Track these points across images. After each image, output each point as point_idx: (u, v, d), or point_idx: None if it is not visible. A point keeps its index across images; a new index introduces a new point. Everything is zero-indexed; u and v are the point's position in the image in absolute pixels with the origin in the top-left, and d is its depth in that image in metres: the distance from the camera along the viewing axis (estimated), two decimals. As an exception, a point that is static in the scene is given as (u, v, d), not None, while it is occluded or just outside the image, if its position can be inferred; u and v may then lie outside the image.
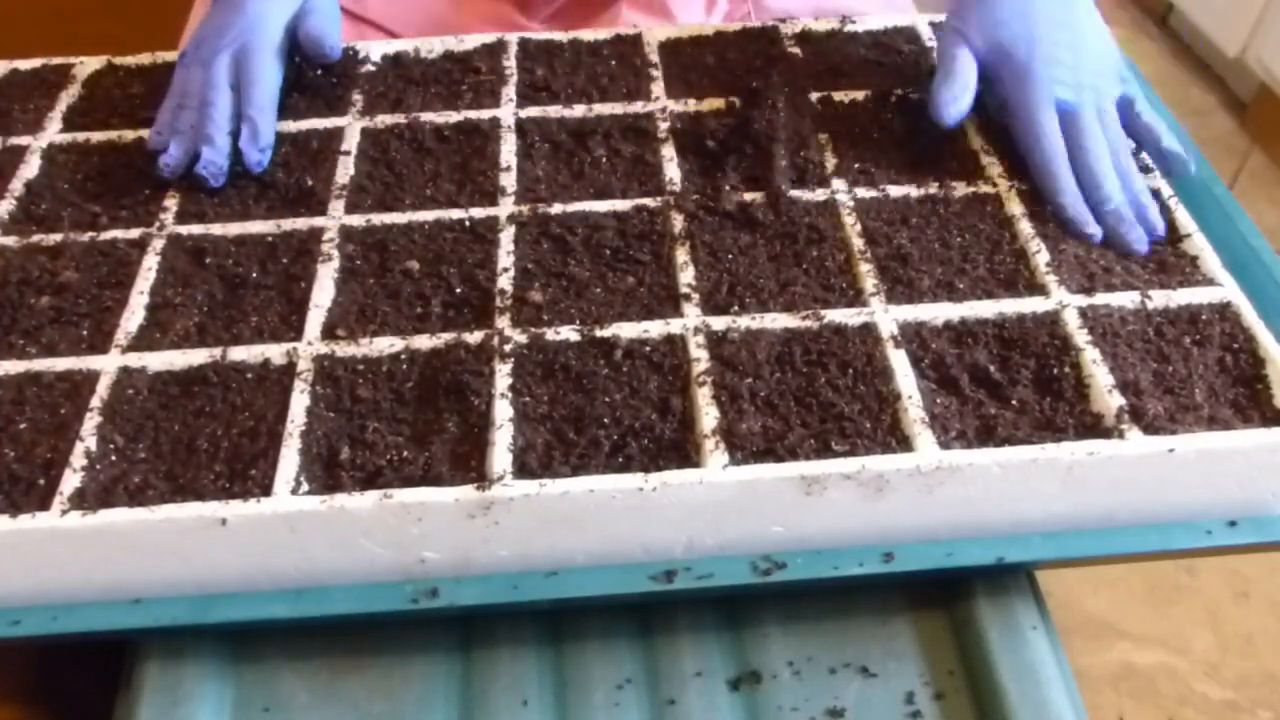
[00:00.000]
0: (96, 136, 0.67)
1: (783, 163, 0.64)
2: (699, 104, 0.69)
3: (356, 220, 0.61)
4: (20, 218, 0.63)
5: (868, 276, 0.58)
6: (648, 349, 0.54)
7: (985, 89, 0.64)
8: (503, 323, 0.55)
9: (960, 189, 0.63)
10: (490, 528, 0.49)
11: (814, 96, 0.69)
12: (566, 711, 0.50)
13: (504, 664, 0.51)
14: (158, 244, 0.60)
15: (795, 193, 0.62)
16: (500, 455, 0.49)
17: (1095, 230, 0.60)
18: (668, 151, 0.65)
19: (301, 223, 0.61)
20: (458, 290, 0.58)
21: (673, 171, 0.64)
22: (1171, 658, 1.14)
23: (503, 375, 0.53)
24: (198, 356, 0.54)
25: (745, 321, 0.55)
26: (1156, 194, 0.63)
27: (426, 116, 0.68)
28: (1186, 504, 0.52)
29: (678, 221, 0.61)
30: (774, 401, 0.52)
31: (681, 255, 0.59)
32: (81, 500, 0.49)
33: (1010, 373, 0.54)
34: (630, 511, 0.49)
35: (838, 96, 0.69)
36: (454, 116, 0.68)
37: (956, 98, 0.62)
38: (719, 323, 0.55)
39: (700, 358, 0.54)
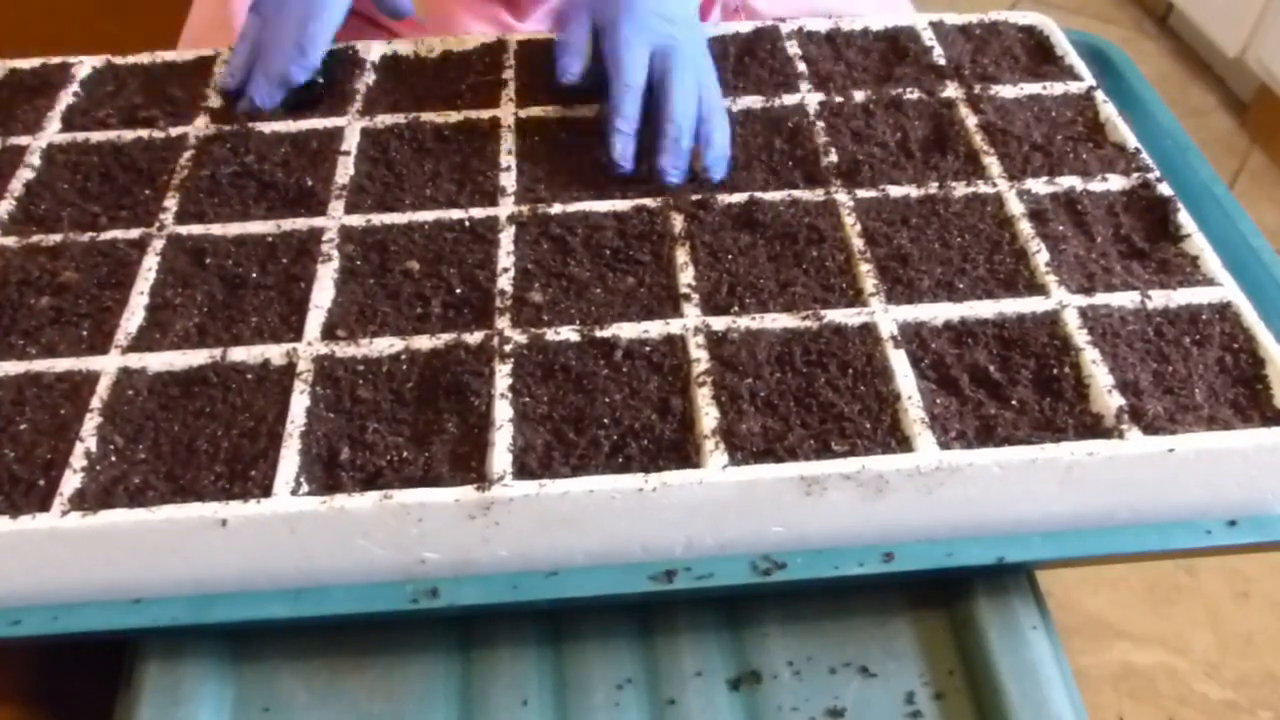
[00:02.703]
0: (96, 136, 0.67)
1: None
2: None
3: (356, 220, 0.61)
4: (20, 218, 0.63)
5: (868, 277, 0.58)
6: (648, 349, 0.54)
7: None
8: (503, 323, 0.55)
9: (960, 189, 0.63)
10: (490, 528, 0.49)
11: (813, 96, 0.69)
12: (566, 711, 0.50)
13: (504, 664, 0.51)
14: (157, 244, 0.60)
15: (795, 193, 0.62)
16: (500, 456, 0.49)
17: (627, 167, 0.62)
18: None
19: (301, 223, 0.61)
20: (458, 290, 0.58)
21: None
22: (1171, 658, 1.14)
23: (503, 376, 0.53)
24: (198, 357, 0.54)
25: (745, 322, 0.55)
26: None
27: (426, 116, 0.68)
28: (1186, 504, 0.52)
29: (677, 222, 0.61)
30: (774, 402, 0.52)
31: (681, 255, 0.59)
32: (81, 501, 0.49)
33: (1010, 373, 0.54)
34: (630, 512, 0.49)
35: (837, 96, 0.69)
36: (454, 116, 0.68)
37: (571, 59, 0.66)
38: (719, 323, 0.55)
39: (700, 358, 0.54)
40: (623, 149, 0.62)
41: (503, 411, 0.51)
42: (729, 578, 0.50)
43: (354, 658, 0.52)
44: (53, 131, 0.68)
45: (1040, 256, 0.59)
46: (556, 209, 0.62)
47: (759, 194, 0.62)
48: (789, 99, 0.69)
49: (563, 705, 0.50)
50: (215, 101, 0.70)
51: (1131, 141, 0.67)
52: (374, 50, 0.74)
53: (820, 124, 0.67)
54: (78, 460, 0.50)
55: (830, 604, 0.53)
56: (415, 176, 0.64)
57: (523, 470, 0.49)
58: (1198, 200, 0.65)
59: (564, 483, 0.48)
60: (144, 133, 0.68)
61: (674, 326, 0.55)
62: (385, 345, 0.55)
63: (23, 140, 0.67)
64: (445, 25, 0.81)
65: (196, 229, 0.61)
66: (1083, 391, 0.53)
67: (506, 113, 0.68)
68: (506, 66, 0.72)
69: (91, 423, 0.51)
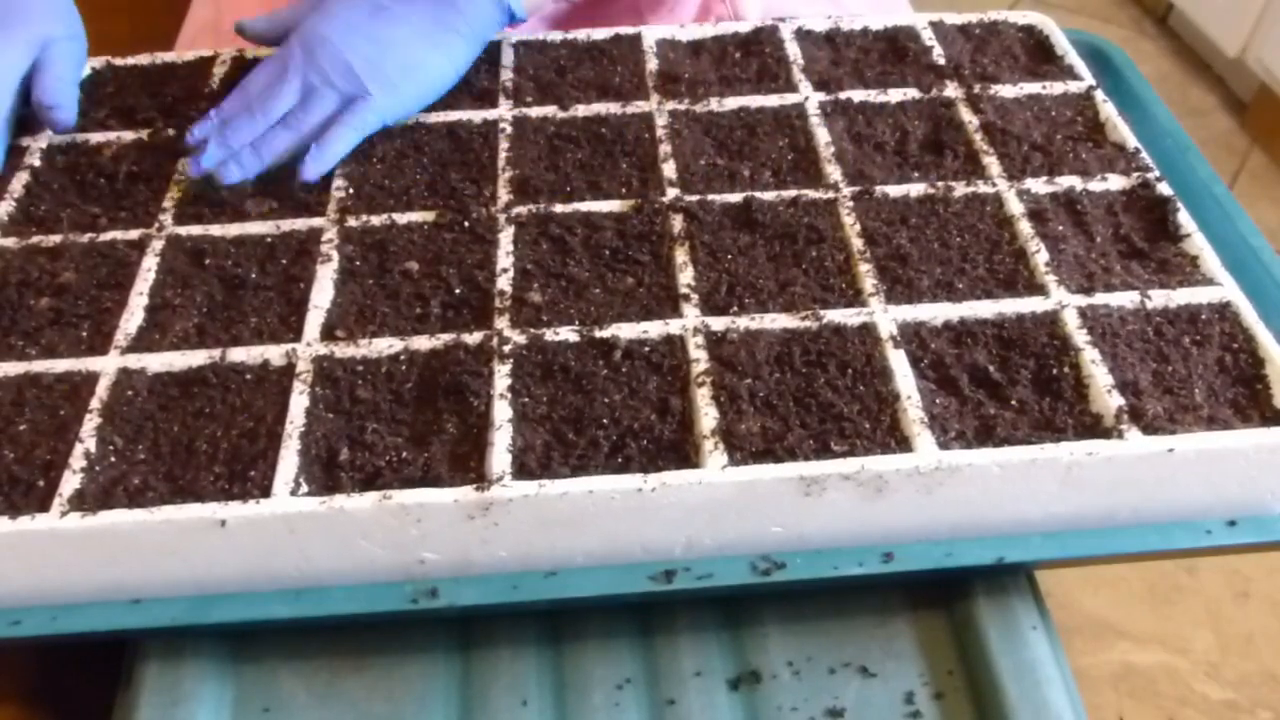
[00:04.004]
0: (96, 137, 0.67)
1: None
2: (695, 104, 0.69)
3: (355, 221, 0.61)
4: (20, 218, 0.63)
5: (867, 276, 0.58)
6: (647, 349, 0.54)
7: None
8: (502, 323, 0.55)
9: (960, 189, 0.63)
10: (489, 528, 0.49)
11: (814, 96, 0.69)
12: (566, 711, 0.50)
13: (504, 664, 0.51)
14: (157, 245, 0.60)
15: (794, 192, 0.62)
16: (499, 456, 0.49)
17: (190, 141, 0.64)
18: (665, 150, 0.65)
19: (301, 223, 0.61)
20: (457, 291, 0.58)
21: (671, 172, 0.64)
22: (1171, 658, 1.14)
23: (502, 376, 0.53)
24: (197, 358, 0.54)
25: (744, 322, 0.55)
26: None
27: (425, 116, 0.68)
28: (1186, 504, 0.52)
29: (677, 222, 0.61)
30: (773, 402, 0.52)
31: (680, 255, 0.59)
32: (81, 502, 0.49)
33: (1009, 373, 0.54)
34: (629, 512, 0.49)
35: (837, 96, 0.69)
36: (453, 116, 0.68)
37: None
38: (718, 323, 0.55)
39: (699, 358, 0.54)
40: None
41: (502, 412, 0.51)
42: (728, 578, 0.50)
43: (354, 658, 0.52)
44: (52, 132, 0.68)
45: (1040, 256, 0.59)
46: (556, 209, 0.62)
47: (758, 194, 0.62)
48: (789, 99, 0.69)
49: (562, 705, 0.50)
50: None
51: (1131, 141, 0.67)
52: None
53: (820, 124, 0.67)
54: (77, 461, 0.50)
55: (830, 604, 0.53)
56: (414, 176, 0.64)
57: (522, 470, 0.49)
58: (1198, 200, 0.65)
59: (563, 483, 0.48)
60: (143, 133, 0.68)
61: (673, 327, 0.55)
62: (384, 345, 0.55)
63: (23, 140, 0.67)
64: None
65: (195, 229, 0.61)
66: (1082, 391, 0.53)
67: (506, 113, 0.68)
68: (505, 66, 0.72)
69: (91, 423, 0.51)
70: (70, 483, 0.49)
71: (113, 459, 0.51)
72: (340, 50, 0.64)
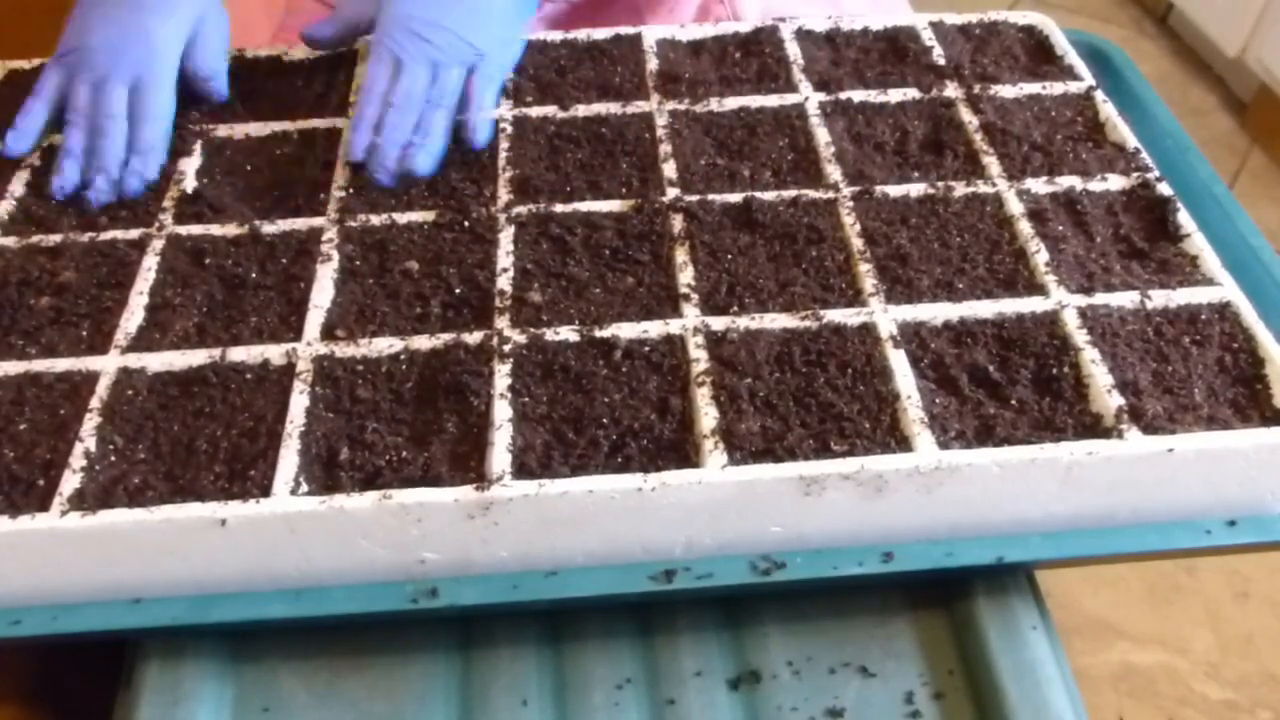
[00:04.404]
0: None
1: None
2: (695, 104, 0.69)
3: (355, 220, 0.61)
4: (20, 218, 0.63)
5: (867, 276, 0.58)
6: (647, 349, 0.54)
7: None
8: (502, 323, 0.55)
9: (960, 189, 0.63)
10: (489, 528, 0.49)
11: (814, 96, 0.69)
12: (566, 711, 0.50)
13: (504, 664, 0.51)
14: (157, 244, 0.60)
15: (794, 192, 0.62)
16: (499, 455, 0.49)
17: (356, 156, 0.64)
18: (666, 150, 0.65)
19: (301, 223, 0.61)
20: (457, 290, 0.58)
21: (671, 172, 0.64)
22: (1171, 658, 1.14)
23: (502, 375, 0.53)
24: (197, 357, 0.54)
25: (744, 322, 0.55)
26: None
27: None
28: (1186, 504, 0.52)
29: (677, 222, 0.61)
30: (773, 401, 0.52)
31: (681, 255, 0.59)
32: (81, 501, 0.49)
33: (1009, 373, 0.54)
34: (629, 512, 0.49)
35: (837, 96, 0.69)
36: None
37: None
38: (718, 323, 0.55)
39: (699, 358, 0.54)
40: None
41: (502, 411, 0.51)
42: (728, 578, 0.50)
43: (354, 658, 0.52)
44: (52, 132, 0.68)
45: (1040, 256, 0.59)
46: (556, 209, 0.62)
47: (758, 194, 0.62)
48: (789, 99, 0.69)
49: (562, 705, 0.50)
50: (215, 102, 0.70)
51: (1131, 141, 0.67)
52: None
53: (820, 124, 0.67)
54: (77, 460, 0.50)
55: (830, 604, 0.53)
56: (414, 176, 0.64)
57: (522, 470, 0.49)
58: (1198, 200, 0.65)
59: (563, 483, 0.48)
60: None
61: (673, 326, 0.55)
62: (384, 345, 0.55)
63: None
64: None
65: (196, 229, 0.61)
66: (1082, 391, 0.53)
67: (505, 112, 0.68)
68: (506, 66, 0.72)
69: (91, 423, 0.51)
70: (70, 482, 0.49)
71: (113, 458, 0.51)
72: (444, 25, 0.66)
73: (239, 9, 0.80)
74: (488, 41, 0.67)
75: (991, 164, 0.65)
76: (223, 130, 0.68)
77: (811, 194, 0.62)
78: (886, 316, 0.56)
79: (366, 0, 0.70)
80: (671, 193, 0.62)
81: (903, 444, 0.50)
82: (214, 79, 0.68)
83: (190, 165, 0.65)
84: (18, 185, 0.64)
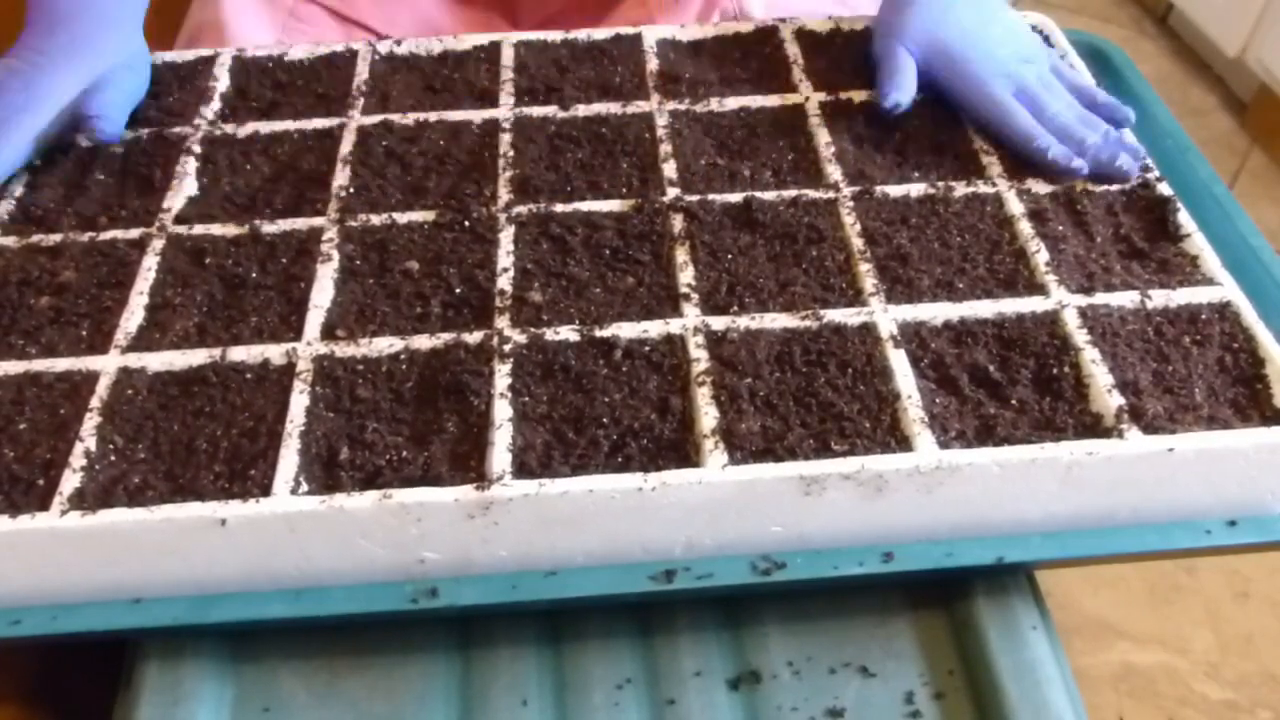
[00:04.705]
0: (96, 137, 0.67)
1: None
2: (696, 104, 0.69)
3: (356, 220, 0.61)
4: (20, 218, 0.63)
5: (867, 276, 0.58)
6: (647, 349, 0.54)
7: (924, 87, 0.69)
8: (502, 323, 0.55)
9: (960, 189, 0.63)
10: (490, 528, 0.49)
11: (814, 96, 0.69)
12: (566, 711, 0.50)
13: (504, 664, 0.51)
14: (157, 244, 0.60)
15: (794, 192, 0.62)
16: (500, 455, 0.49)
17: (1081, 164, 0.63)
18: (666, 150, 0.65)
19: (301, 223, 0.61)
20: (457, 290, 0.58)
21: (671, 172, 0.64)
22: (1171, 658, 1.14)
23: (502, 375, 0.53)
24: (197, 357, 0.54)
25: (745, 321, 0.55)
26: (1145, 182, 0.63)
27: (425, 116, 0.68)
28: (1186, 504, 0.52)
29: (677, 221, 0.61)
30: (773, 401, 0.52)
31: (681, 255, 0.59)
32: (81, 501, 0.49)
33: (1010, 372, 0.54)
34: (629, 511, 0.49)
35: (837, 96, 0.69)
36: (452, 116, 0.68)
37: (900, 88, 0.67)
38: (718, 323, 0.55)
39: (700, 358, 0.54)
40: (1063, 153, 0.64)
41: (502, 411, 0.51)
42: (729, 578, 0.50)
43: (354, 658, 0.52)
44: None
45: (1040, 256, 0.59)
46: (556, 209, 0.62)
47: (758, 194, 0.62)
48: (789, 99, 0.69)
49: (562, 705, 0.50)
50: (216, 102, 0.70)
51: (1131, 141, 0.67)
52: (369, 50, 0.74)
53: (820, 124, 0.67)
54: (77, 460, 0.50)
55: (830, 604, 0.53)
56: (414, 176, 0.64)
57: (522, 470, 0.49)
58: (1198, 200, 0.65)
59: (563, 482, 0.48)
60: (143, 132, 0.68)
61: (673, 326, 0.55)
62: (385, 345, 0.55)
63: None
64: (443, 28, 0.81)
65: (196, 229, 0.61)
66: (1082, 391, 0.53)
67: (505, 113, 0.68)
68: (505, 66, 0.72)
69: (91, 422, 0.51)
70: (70, 481, 0.49)
71: (113, 458, 0.51)
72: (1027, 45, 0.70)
73: (239, 9, 0.80)
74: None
75: (992, 164, 0.65)
76: (222, 130, 0.67)
77: (811, 194, 0.62)
78: (887, 316, 0.56)
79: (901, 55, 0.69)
80: (672, 193, 0.62)
81: (903, 444, 0.50)
82: (100, 118, 0.65)
83: (190, 165, 0.65)
84: (18, 185, 0.64)
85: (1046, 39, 0.75)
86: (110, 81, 0.67)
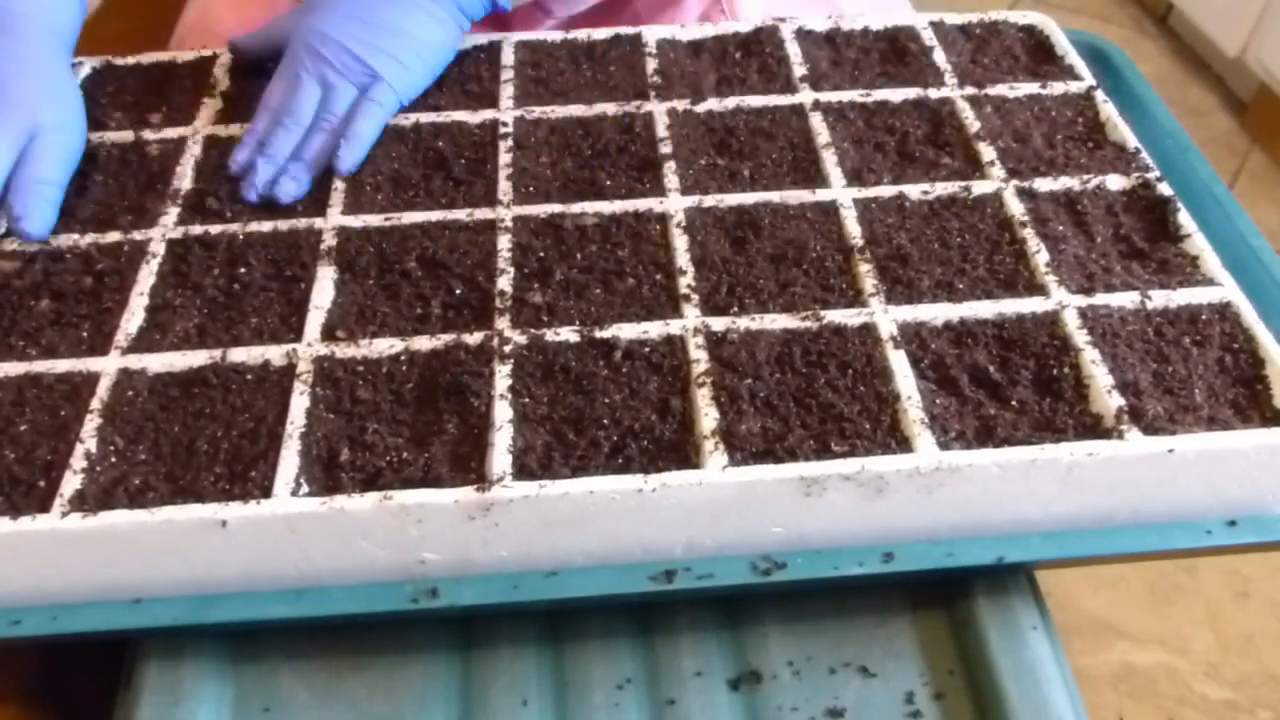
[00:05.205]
0: (96, 137, 0.67)
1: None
2: (695, 104, 0.69)
3: (356, 221, 0.61)
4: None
5: (867, 277, 0.58)
6: (647, 350, 0.54)
7: None
8: (502, 324, 0.55)
9: (960, 189, 0.63)
10: (490, 529, 0.49)
11: (814, 96, 0.69)
12: (566, 711, 0.50)
13: (504, 664, 0.51)
14: (158, 245, 0.60)
15: (794, 193, 0.62)
16: (500, 456, 0.49)
17: (233, 170, 0.64)
18: (665, 150, 0.65)
19: (301, 223, 0.61)
20: (457, 291, 0.58)
21: (671, 172, 0.64)
22: (1171, 658, 1.14)
23: (502, 376, 0.53)
24: (197, 358, 0.54)
25: (745, 322, 0.55)
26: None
27: (425, 116, 0.68)
28: (1186, 504, 0.52)
29: (677, 222, 0.61)
30: (773, 402, 0.52)
31: (681, 256, 0.59)
32: (82, 502, 0.49)
33: (1010, 373, 0.54)
34: (630, 513, 0.49)
35: (838, 97, 0.69)
36: (453, 116, 0.68)
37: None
38: (718, 323, 0.55)
39: (700, 359, 0.54)
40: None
41: (502, 412, 0.51)
42: (729, 578, 0.50)
43: (354, 658, 0.52)
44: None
45: (1040, 256, 0.59)
46: (556, 209, 0.62)
47: (758, 194, 0.62)
48: (789, 99, 0.69)
49: (562, 705, 0.50)
50: (217, 102, 0.70)
51: (1131, 141, 0.67)
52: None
53: (820, 124, 0.67)
54: (78, 461, 0.50)
55: (830, 604, 0.53)
56: (414, 177, 0.64)
57: (522, 471, 0.49)
58: (1198, 200, 0.65)
59: (564, 484, 0.48)
60: (145, 133, 0.68)
61: (674, 327, 0.55)
62: (385, 346, 0.55)
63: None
64: None
65: (196, 229, 0.61)
66: (1082, 392, 0.53)
67: (505, 113, 0.68)
68: (505, 66, 0.72)
69: (91, 424, 0.51)
70: (71, 483, 0.49)
71: (113, 459, 0.51)
72: (343, 42, 0.65)
73: (239, 10, 0.80)
74: (389, 65, 0.66)
75: (992, 164, 0.65)
76: (221, 130, 0.67)
77: (811, 194, 0.62)
78: (887, 317, 0.56)
79: (293, 13, 0.70)
80: (671, 193, 0.62)
81: (903, 445, 0.50)
82: (24, 220, 0.60)
83: (189, 165, 0.65)
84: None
85: (1047, 39, 0.75)
86: (39, 151, 0.61)
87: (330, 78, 0.65)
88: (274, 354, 0.54)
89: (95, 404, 0.52)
